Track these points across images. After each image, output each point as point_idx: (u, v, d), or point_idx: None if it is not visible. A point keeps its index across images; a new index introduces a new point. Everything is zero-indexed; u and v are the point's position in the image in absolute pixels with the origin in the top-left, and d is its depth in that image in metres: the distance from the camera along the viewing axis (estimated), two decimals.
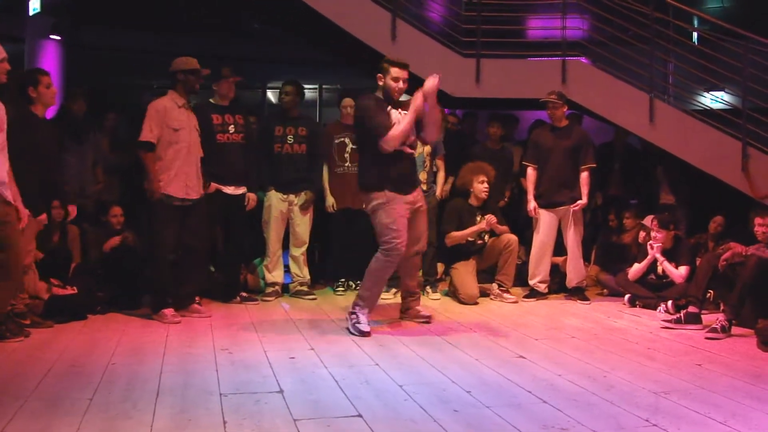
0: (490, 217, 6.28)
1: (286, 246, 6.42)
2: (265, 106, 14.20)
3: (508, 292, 6.30)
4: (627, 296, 6.21)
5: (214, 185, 5.80)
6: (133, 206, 6.27)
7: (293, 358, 4.18)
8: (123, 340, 4.61)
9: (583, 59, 7.42)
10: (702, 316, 5.23)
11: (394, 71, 4.99)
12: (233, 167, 5.91)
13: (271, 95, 14.48)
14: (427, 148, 6.41)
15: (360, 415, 3.17)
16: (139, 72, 12.81)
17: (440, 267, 7.05)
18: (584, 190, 6.26)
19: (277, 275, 6.28)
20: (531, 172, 6.46)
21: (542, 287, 6.42)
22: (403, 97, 5.19)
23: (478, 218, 6.37)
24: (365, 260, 6.87)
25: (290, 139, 6.26)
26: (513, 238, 6.36)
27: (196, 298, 5.54)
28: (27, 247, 4.83)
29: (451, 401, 3.38)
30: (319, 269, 7.01)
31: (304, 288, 6.33)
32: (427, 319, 5.32)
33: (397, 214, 4.94)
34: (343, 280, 6.63)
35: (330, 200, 6.54)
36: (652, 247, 6.14)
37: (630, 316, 5.77)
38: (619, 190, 7.78)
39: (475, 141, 7.84)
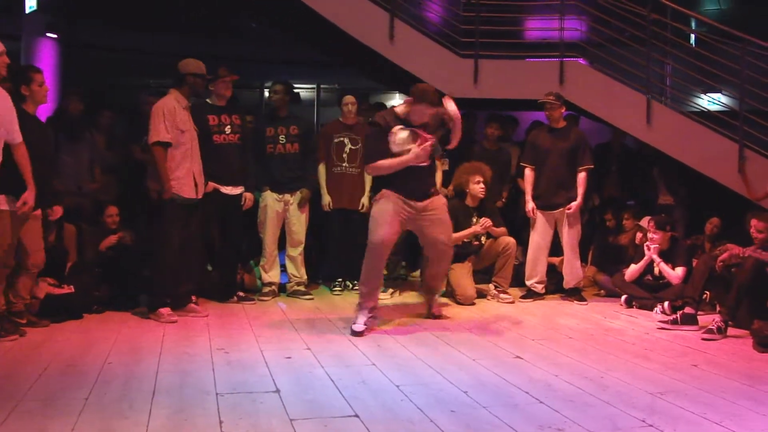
0: (485, 221, 6.28)
1: (281, 246, 6.41)
2: (262, 106, 14.20)
3: (505, 292, 6.30)
4: (624, 297, 6.22)
5: (212, 185, 5.79)
6: (132, 205, 6.26)
7: (290, 357, 4.18)
8: (119, 340, 4.60)
9: (580, 60, 7.43)
10: (698, 317, 5.24)
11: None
12: (230, 167, 5.90)
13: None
14: None
15: (357, 415, 3.17)
16: (135, 71, 12.79)
17: None
18: (580, 191, 6.26)
19: (273, 275, 6.27)
20: (528, 173, 6.45)
21: (539, 288, 6.42)
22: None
23: (474, 219, 6.38)
24: (362, 260, 6.90)
25: (282, 139, 6.24)
26: (511, 241, 6.36)
27: (193, 298, 5.54)
28: (38, 245, 4.83)
29: (448, 401, 3.38)
30: (316, 269, 7.00)
31: (301, 288, 6.32)
32: (438, 317, 5.45)
33: (384, 208, 5.02)
34: (340, 279, 6.63)
35: (326, 199, 6.53)
36: (648, 248, 6.15)
37: (626, 316, 5.78)
38: (616, 191, 7.78)
39: (472, 142, 7.84)
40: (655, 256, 6.11)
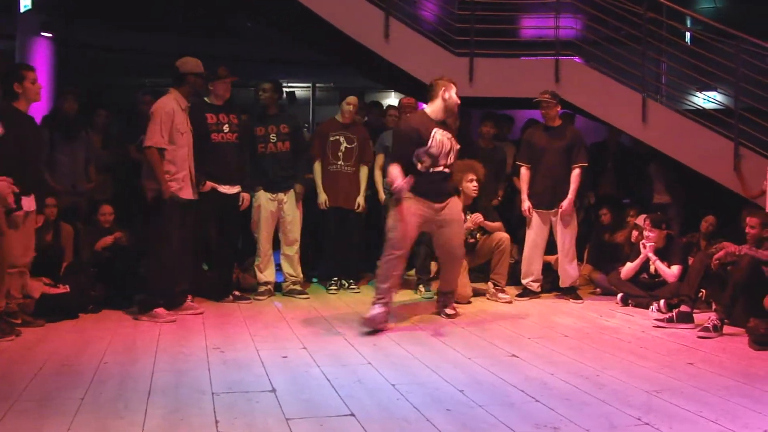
0: (476, 216, 6.28)
1: (275, 246, 6.40)
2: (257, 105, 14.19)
3: (503, 291, 6.30)
4: (619, 295, 6.22)
5: (209, 184, 5.78)
6: (128, 204, 6.25)
7: (286, 357, 4.17)
8: (115, 340, 4.59)
9: (576, 59, 7.44)
10: (694, 315, 5.24)
11: (453, 89, 5.24)
12: (228, 167, 5.90)
13: None
14: None
15: (353, 415, 3.17)
16: (131, 70, 12.77)
17: (434, 266, 7.04)
18: (572, 187, 6.25)
19: (268, 274, 6.26)
20: (524, 172, 6.45)
21: (535, 286, 6.42)
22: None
23: (468, 217, 6.37)
24: (357, 259, 6.91)
25: (273, 137, 6.23)
26: (504, 236, 6.36)
27: (188, 297, 5.53)
28: (28, 246, 4.82)
29: (444, 400, 3.38)
30: (311, 267, 6.99)
31: (297, 287, 6.32)
32: (450, 316, 5.46)
33: (405, 206, 5.07)
34: (335, 279, 6.62)
35: (323, 197, 6.52)
36: (644, 246, 6.16)
37: (622, 315, 5.79)
38: (611, 189, 7.79)
39: (468, 140, 7.82)
40: (650, 255, 6.12)
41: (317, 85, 14.97)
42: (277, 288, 6.38)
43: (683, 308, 5.24)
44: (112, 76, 12.71)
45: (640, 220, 6.57)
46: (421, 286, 6.56)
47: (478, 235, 6.46)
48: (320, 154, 6.57)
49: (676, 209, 7.40)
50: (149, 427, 3.00)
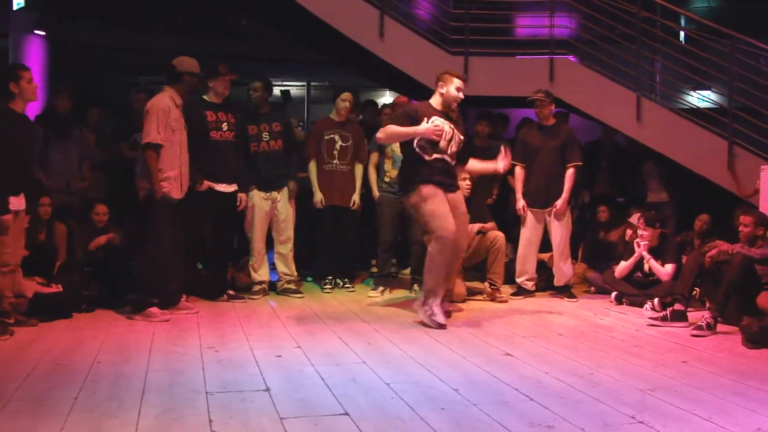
0: (472, 227, 6.26)
1: (269, 245, 6.39)
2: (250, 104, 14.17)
3: (499, 290, 6.30)
4: (614, 294, 6.23)
5: (206, 183, 5.77)
6: (122, 203, 6.23)
7: (280, 356, 4.17)
8: (108, 339, 4.58)
9: (570, 58, 7.45)
10: (688, 313, 5.26)
11: (458, 82, 5.31)
12: (226, 165, 5.89)
13: None
14: None
15: (347, 414, 3.16)
16: (125, 68, 12.73)
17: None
18: (566, 186, 6.26)
19: (262, 273, 6.25)
20: (519, 171, 6.45)
21: (529, 285, 6.43)
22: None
23: None
24: (353, 258, 6.91)
25: (266, 136, 6.21)
26: (499, 234, 6.35)
27: (183, 296, 5.52)
28: (16, 245, 4.80)
29: (439, 399, 3.38)
30: (306, 266, 6.99)
31: (292, 286, 6.31)
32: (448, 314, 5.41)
33: (438, 201, 5.10)
34: (330, 277, 6.61)
35: (318, 196, 6.51)
36: (638, 245, 6.17)
37: (616, 313, 5.79)
38: (606, 188, 7.80)
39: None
40: (644, 253, 6.13)
41: (312, 83, 14.94)
42: (272, 287, 6.37)
43: (677, 307, 5.25)
44: (105, 74, 12.67)
45: (634, 218, 6.58)
46: (416, 285, 6.54)
47: (473, 235, 6.45)
48: (315, 153, 6.55)
49: (671, 208, 7.41)
50: (143, 427, 2.99)
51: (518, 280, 6.45)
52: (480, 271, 6.58)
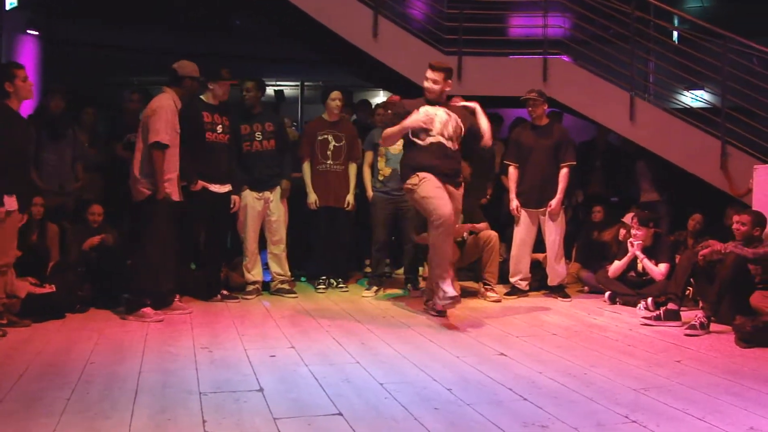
0: (460, 227, 6.26)
1: (262, 245, 6.38)
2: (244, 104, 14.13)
3: (492, 290, 6.31)
4: (607, 293, 6.24)
5: (201, 183, 5.75)
6: (116, 203, 6.21)
7: (274, 356, 4.16)
8: (101, 339, 4.56)
9: (564, 57, 7.46)
10: (681, 313, 5.27)
11: (427, 72, 5.41)
12: (220, 166, 5.88)
13: None
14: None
15: (340, 414, 3.16)
16: (118, 68, 12.69)
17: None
18: (560, 186, 6.27)
19: (256, 274, 6.24)
20: (512, 171, 6.46)
21: (523, 285, 6.43)
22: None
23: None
24: (346, 258, 6.90)
25: (259, 136, 6.21)
26: (493, 234, 6.36)
27: (176, 296, 5.50)
28: (9, 245, 4.78)
29: (432, 399, 3.38)
30: (298, 265, 6.98)
31: (285, 286, 6.30)
32: (440, 313, 5.38)
33: (432, 185, 5.15)
34: (324, 278, 6.61)
35: (312, 197, 6.50)
36: (632, 245, 6.18)
37: (610, 313, 5.81)
38: (600, 188, 7.82)
39: None
40: (638, 253, 6.15)
41: (306, 83, 14.91)
42: (265, 287, 6.36)
43: (670, 306, 5.26)
44: (99, 74, 12.62)
45: (628, 218, 6.59)
46: (409, 285, 6.55)
47: (465, 234, 6.46)
48: (309, 154, 6.55)
49: (664, 208, 7.43)
50: (136, 427, 2.98)
51: (512, 280, 6.45)
52: (473, 271, 6.59)
